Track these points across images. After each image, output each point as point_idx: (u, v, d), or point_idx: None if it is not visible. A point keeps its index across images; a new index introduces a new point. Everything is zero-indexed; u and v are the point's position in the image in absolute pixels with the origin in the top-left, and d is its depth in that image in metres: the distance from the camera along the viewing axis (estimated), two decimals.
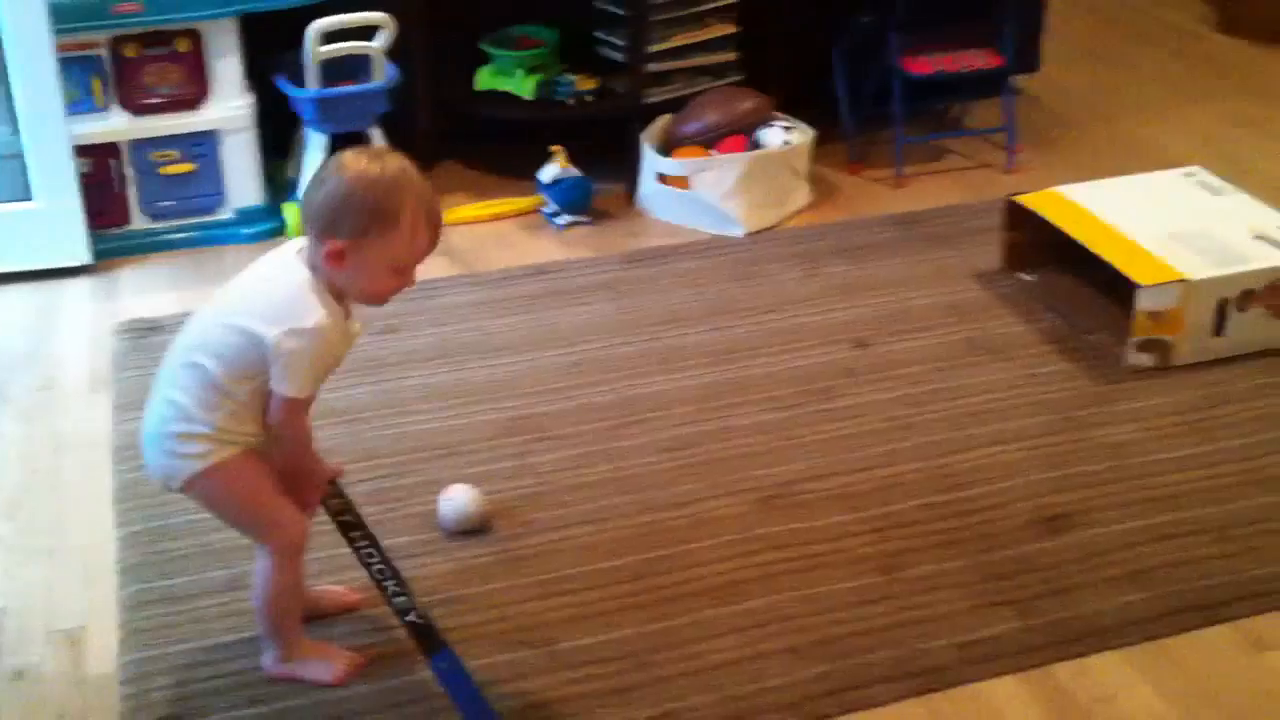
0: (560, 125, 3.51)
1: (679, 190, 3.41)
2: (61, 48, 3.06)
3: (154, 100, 3.23)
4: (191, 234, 3.33)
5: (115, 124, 3.22)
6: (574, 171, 3.40)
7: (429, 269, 1.86)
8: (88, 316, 3.06)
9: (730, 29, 3.66)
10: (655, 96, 3.56)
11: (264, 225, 3.36)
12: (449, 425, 2.63)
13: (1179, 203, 3.08)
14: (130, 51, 3.18)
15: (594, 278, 3.18)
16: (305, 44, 3.19)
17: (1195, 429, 2.61)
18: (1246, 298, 2.79)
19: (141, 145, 3.24)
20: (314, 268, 1.84)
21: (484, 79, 3.59)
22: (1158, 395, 2.72)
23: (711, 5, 3.62)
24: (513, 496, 2.43)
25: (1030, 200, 3.09)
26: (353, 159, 1.83)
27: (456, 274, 3.15)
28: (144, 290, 3.15)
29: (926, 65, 3.60)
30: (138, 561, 2.27)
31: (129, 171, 3.26)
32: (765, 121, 3.51)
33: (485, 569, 2.26)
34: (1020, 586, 2.22)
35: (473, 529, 2.34)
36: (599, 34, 3.65)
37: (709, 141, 3.47)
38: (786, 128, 3.50)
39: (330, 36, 3.21)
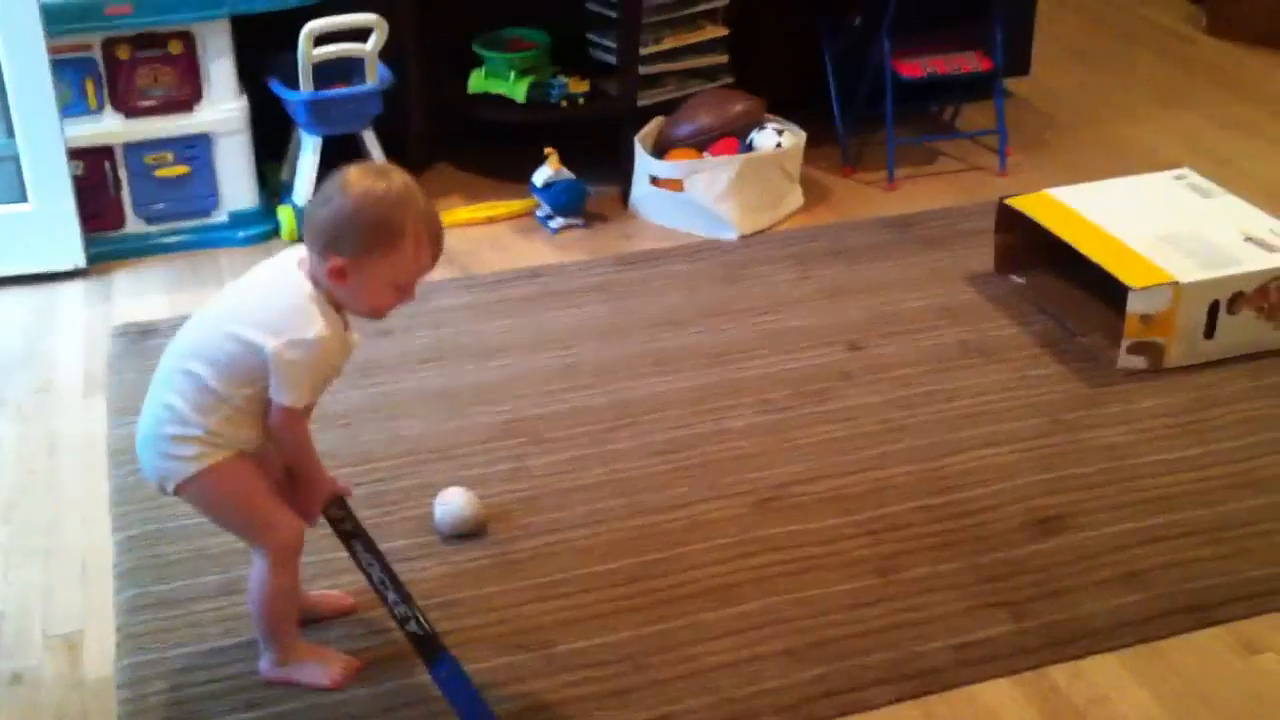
0: (553, 128, 3.52)
1: (672, 193, 3.42)
2: (54, 50, 3.06)
3: (147, 102, 3.22)
4: (186, 237, 3.33)
5: (109, 126, 3.21)
6: (567, 174, 3.41)
7: (421, 282, 1.88)
8: (82, 319, 3.05)
9: (722, 31, 3.67)
10: (647, 99, 3.57)
11: (258, 228, 3.36)
12: (444, 428, 2.64)
13: (1169, 205, 3.09)
14: (123, 53, 3.17)
15: (587, 280, 3.19)
16: (298, 46, 3.19)
17: (1187, 431, 2.63)
18: (1237, 300, 2.81)
19: (135, 148, 3.24)
20: (315, 280, 1.85)
21: (476, 81, 3.59)
22: (1149, 397, 2.73)
23: (703, 8, 3.63)
24: (508, 500, 2.44)
25: (1022, 203, 3.10)
26: (358, 176, 1.83)
27: (450, 277, 3.15)
28: (139, 293, 3.15)
29: (917, 68, 3.61)
30: (134, 565, 2.27)
31: (123, 174, 3.25)
32: (758, 124, 3.52)
33: (481, 572, 2.27)
34: (1014, 589, 2.23)
35: (468, 532, 2.34)
36: (591, 36, 3.65)
37: (702, 144, 3.48)
38: (779, 130, 3.51)
39: (323, 39, 3.21)
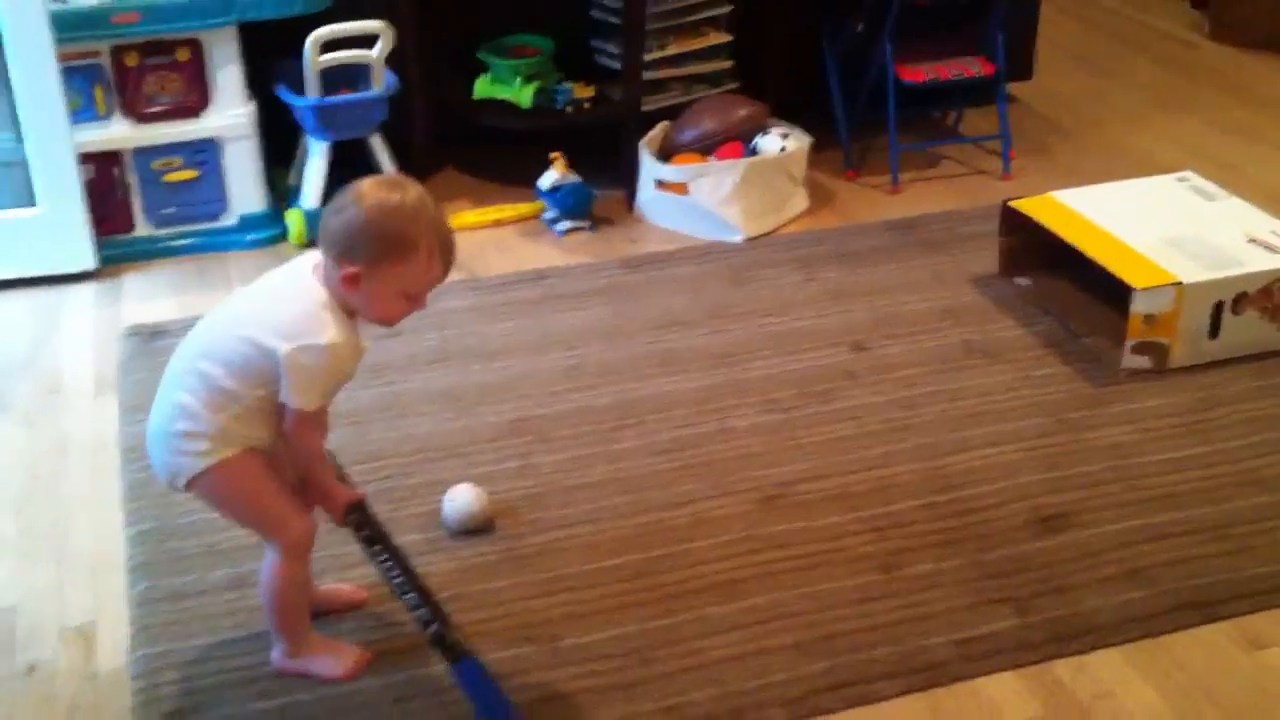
0: (558, 133, 3.54)
1: (677, 196, 3.44)
2: (63, 56, 3.09)
3: (156, 108, 3.25)
4: (195, 240, 3.35)
5: (118, 132, 3.24)
6: (573, 178, 3.43)
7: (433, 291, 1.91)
8: (92, 322, 3.08)
9: (726, 37, 3.70)
10: (652, 104, 3.60)
11: (267, 232, 3.38)
12: (452, 427, 2.66)
13: (1173, 207, 3.11)
14: (131, 60, 3.20)
15: (593, 283, 3.21)
16: (305, 53, 3.22)
17: (1191, 430, 2.64)
18: (1240, 300, 2.83)
19: (144, 153, 3.26)
20: (329, 287, 1.87)
21: (482, 87, 3.62)
22: (1153, 397, 2.75)
23: (707, 14, 3.66)
24: (515, 496, 2.46)
25: (1026, 205, 3.12)
26: (372, 188, 1.86)
27: (458, 279, 3.16)
28: (148, 296, 3.17)
29: (920, 73, 3.64)
30: (147, 560, 2.29)
31: (132, 179, 3.28)
32: (762, 128, 3.55)
33: (489, 567, 2.29)
34: (1018, 585, 2.24)
35: (476, 528, 2.36)
36: (596, 42, 3.68)
37: (706, 148, 3.50)
38: (783, 134, 3.53)
39: (330, 45, 3.24)
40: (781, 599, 2.22)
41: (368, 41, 3.28)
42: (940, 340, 2.96)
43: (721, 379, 2.83)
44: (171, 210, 3.33)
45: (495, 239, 3.43)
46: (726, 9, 3.68)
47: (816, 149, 3.59)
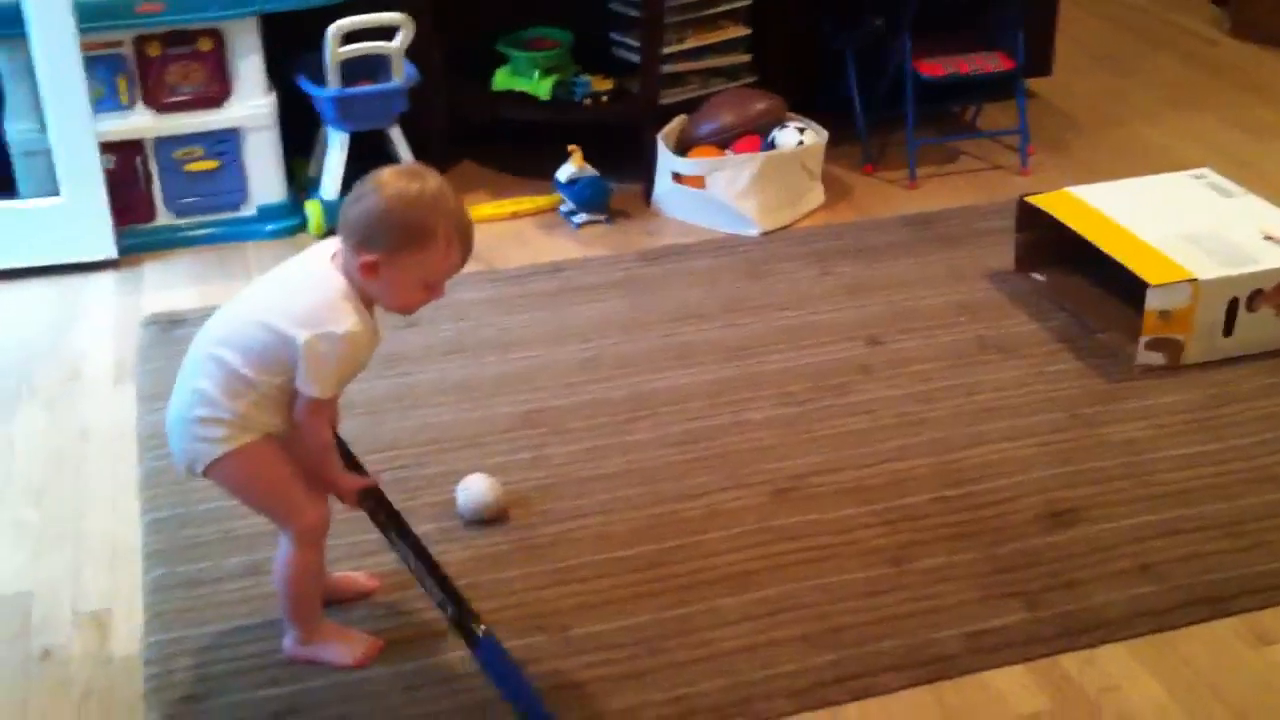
0: (576, 126, 3.56)
1: (694, 190, 3.45)
2: (87, 46, 3.12)
3: (177, 98, 3.28)
4: (214, 230, 3.38)
5: (140, 121, 3.27)
6: (590, 171, 3.44)
7: (451, 280, 1.93)
8: (112, 310, 3.11)
9: (744, 31, 3.70)
10: (670, 97, 3.61)
11: (286, 222, 3.41)
12: (467, 418, 2.68)
13: (1189, 204, 3.11)
14: (154, 50, 3.23)
15: (610, 275, 3.22)
16: (325, 44, 3.24)
17: (1204, 427, 2.64)
18: (1256, 297, 2.82)
19: (165, 142, 3.29)
20: (348, 275, 1.89)
21: (500, 79, 3.63)
22: (1167, 394, 2.75)
23: (725, 8, 3.66)
24: (529, 487, 2.47)
25: (1042, 201, 3.12)
26: (392, 177, 1.88)
27: (475, 271, 3.18)
28: (168, 285, 3.20)
29: (939, 68, 3.64)
30: (163, 547, 2.32)
31: (153, 168, 3.31)
32: (779, 122, 3.55)
33: (502, 557, 2.31)
34: (1029, 579, 2.25)
35: (490, 518, 2.38)
36: (614, 36, 3.69)
37: (724, 142, 3.51)
38: (800, 129, 3.54)
39: (350, 37, 3.26)
40: (792, 591, 2.23)
41: (388, 33, 3.30)
42: (955, 335, 2.96)
43: (736, 372, 2.84)
44: (192, 200, 3.36)
45: (513, 231, 3.44)
46: (745, 2, 3.69)
47: (834, 143, 3.59)
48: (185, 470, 1.98)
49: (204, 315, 2.03)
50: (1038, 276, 3.18)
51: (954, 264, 3.26)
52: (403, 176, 1.89)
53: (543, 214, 3.52)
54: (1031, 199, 3.14)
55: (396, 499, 2.30)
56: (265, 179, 3.38)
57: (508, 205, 3.52)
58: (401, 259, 1.86)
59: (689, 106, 3.61)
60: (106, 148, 3.22)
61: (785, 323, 3.02)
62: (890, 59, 3.66)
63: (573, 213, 3.48)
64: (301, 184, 3.50)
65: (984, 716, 2.02)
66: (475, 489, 2.38)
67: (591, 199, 3.46)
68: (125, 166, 3.28)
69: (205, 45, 3.25)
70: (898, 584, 2.24)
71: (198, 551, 2.30)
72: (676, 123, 3.58)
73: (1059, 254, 3.13)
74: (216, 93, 3.30)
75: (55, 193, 3.22)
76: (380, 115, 3.38)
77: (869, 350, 2.91)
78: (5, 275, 3.21)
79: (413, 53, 3.36)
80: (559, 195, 3.49)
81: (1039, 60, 4.01)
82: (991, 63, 3.69)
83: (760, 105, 3.56)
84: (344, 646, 2.08)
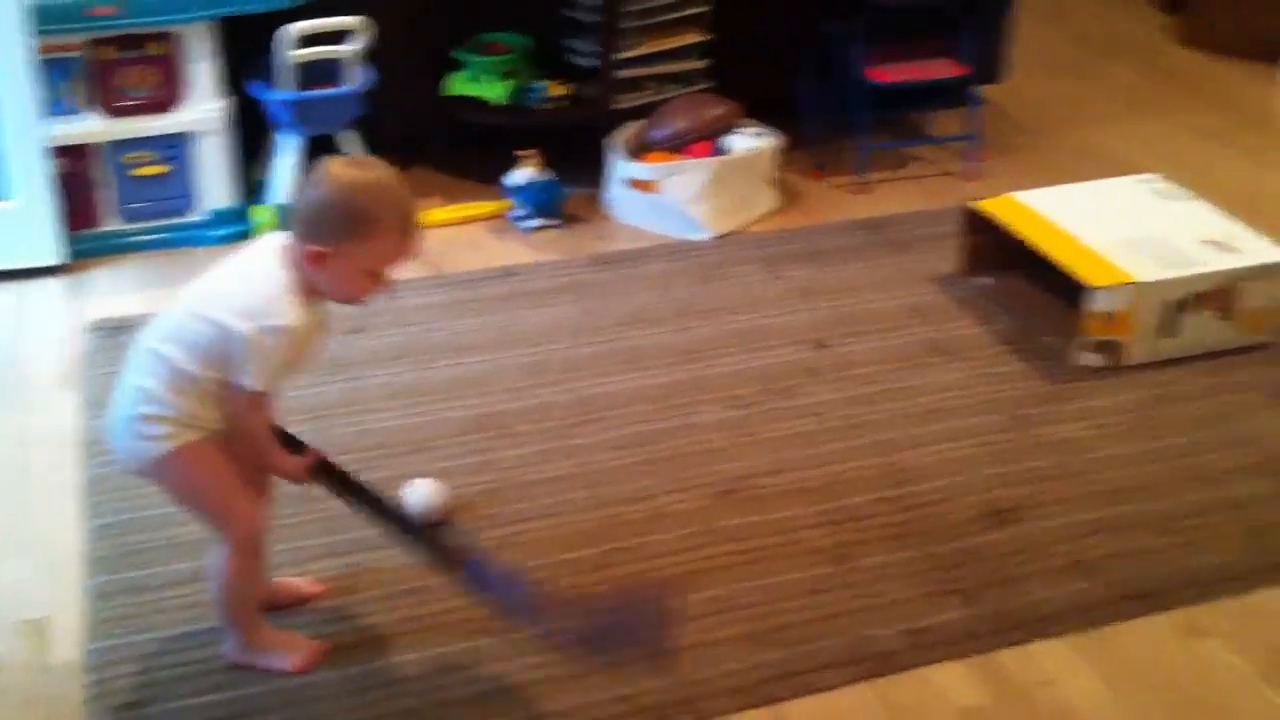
0: (531, 130, 3.57)
1: (647, 194, 3.47)
2: (41, 50, 3.10)
3: (129, 102, 3.27)
4: (163, 235, 3.37)
5: (91, 125, 3.26)
6: (545, 175, 3.45)
7: (397, 271, 1.93)
8: (58, 316, 3.09)
9: (699, 37, 3.72)
10: (625, 103, 3.62)
11: (235, 227, 3.40)
12: (414, 422, 2.68)
13: (1133, 209, 3.15)
14: (107, 54, 3.22)
15: (560, 280, 3.24)
16: (280, 47, 3.24)
17: (1142, 426, 2.68)
18: (1196, 300, 2.86)
19: (116, 147, 3.28)
20: (296, 267, 1.90)
21: (456, 84, 3.64)
22: (1108, 394, 2.78)
23: (681, 14, 3.68)
24: (475, 491, 2.48)
25: (988, 206, 3.16)
26: (340, 167, 1.90)
27: (425, 275, 3.20)
28: (115, 291, 3.19)
29: (891, 74, 3.67)
30: (105, 553, 2.31)
31: (103, 173, 3.30)
32: (733, 128, 3.57)
33: None
34: (968, 576, 2.28)
35: (436, 522, 2.38)
36: (566, 42, 3.70)
37: (677, 147, 3.53)
38: (754, 134, 3.56)
39: (305, 41, 3.26)
40: (735, 591, 2.25)
41: (343, 37, 3.30)
42: (901, 338, 2.99)
43: (685, 375, 2.86)
44: (141, 205, 3.34)
45: (466, 236, 3.45)
46: (705, 8, 3.71)
47: (789, 149, 3.61)
48: (129, 469, 1.97)
49: (149, 321, 2.03)
50: (984, 280, 3.21)
51: (904, 268, 3.30)
52: (351, 166, 1.91)
53: (495, 219, 3.52)
54: (975, 205, 3.18)
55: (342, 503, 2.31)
56: (216, 184, 3.37)
57: (460, 210, 3.53)
58: (347, 248, 1.87)
59: (644, 112, 3.63)
60: (57, 152, 3.20)
61: (736, 326, 3.04)
62: (845, 66, 3.69)
63: (524, 217, 3.49)
64: (250, 189, 3.49)
65: (925, 712, 2.05)
66: (421, 492, 2.39)
67: (544, 203, 3.47)
68: (75, 170, 3.27)
69: (159, 49, 3.24)
70: (840, 583, 2.27)
71: (142, 558, 2.30)
72: (631, 128, 3.60)
73: (1006, 258, 3.17)
74: (169, 97, 3.29)
75: (5, 197, 3.20)
76: (335, 119, 3.39)
77: (816, 353, 2.94)
78: None
79: (369, 57, 3.36)
80: (509, 200, 3.50)
81: (991, 67, 4.03)
82: (944, 70, 3.72)
83: (715, 111, 3.59)
84: (286, 652, 2.08)
